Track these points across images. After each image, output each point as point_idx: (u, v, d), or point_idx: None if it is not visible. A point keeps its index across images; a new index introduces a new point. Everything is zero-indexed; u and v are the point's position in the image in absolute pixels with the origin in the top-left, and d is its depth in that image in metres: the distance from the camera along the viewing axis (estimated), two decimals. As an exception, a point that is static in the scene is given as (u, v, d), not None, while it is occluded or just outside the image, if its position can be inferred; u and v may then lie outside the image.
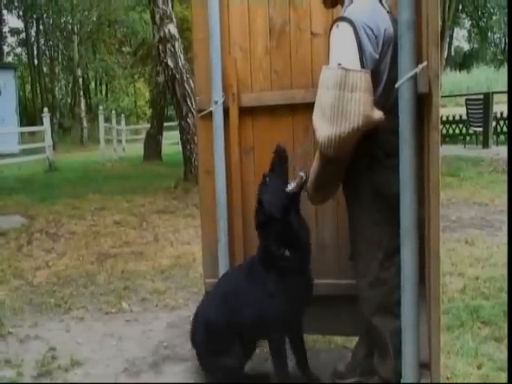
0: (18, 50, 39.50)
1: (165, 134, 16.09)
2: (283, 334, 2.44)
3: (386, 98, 2.10)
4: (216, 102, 2.75)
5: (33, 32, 34.80)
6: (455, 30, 40.86)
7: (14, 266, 4.99)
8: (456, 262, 4.34)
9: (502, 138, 12.88)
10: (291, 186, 2.32)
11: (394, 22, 2.06)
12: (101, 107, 18.39)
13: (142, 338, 3.33)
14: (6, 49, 37.04)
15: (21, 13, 33.58)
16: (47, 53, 34.98)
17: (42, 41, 34.56)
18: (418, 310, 1.98)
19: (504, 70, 27.88)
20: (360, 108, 1.97)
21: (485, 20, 41.42)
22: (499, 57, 39.27)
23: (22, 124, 24.20)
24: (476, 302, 3.51)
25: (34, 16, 32.25)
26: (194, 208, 7.04)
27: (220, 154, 2.79)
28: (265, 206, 2.32)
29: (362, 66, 2.01)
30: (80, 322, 3.65)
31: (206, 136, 2.85)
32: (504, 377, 2.49)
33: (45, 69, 34.66)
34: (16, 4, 32.99)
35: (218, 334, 2.45)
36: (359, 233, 2.29)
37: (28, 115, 31.87)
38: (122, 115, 20.33)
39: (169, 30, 8.97)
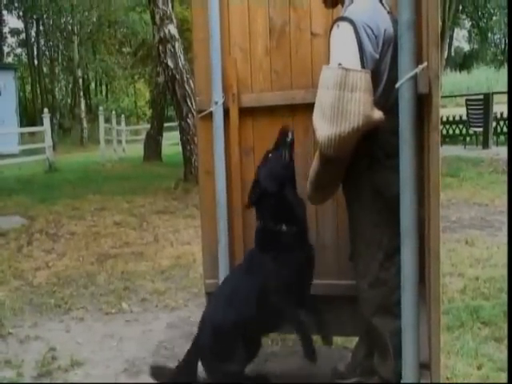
0: (18, 50, 39.62)
1: (165, 134, 16.10)
2: (298, 310, 2.39)
3: (386, 98, 2.10)
4: (216, 103, 2.75)
5: (33, 32, 34.85)
6: (455, 30, 40.90)
7: (14, 267, 4.99)
8: (456, 263, 4.34)
9: (502, 138, 12.87)
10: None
11: (395, 22, 2.06)
12: (101, 108, 18.40)
13: (141, 339, 3.33)
14: (6, 49, 37.15)
15: (21, 13, 33.65)
16: (47, 53, 35.04)
17: (42, 41, 34.62)
18: (418, 311, 1.98)
19: (504, 71, 27.89)
20: (360, 108, 1.97)
21: (485, 20, 41.47)
22: (499, 57, 39.30)
23: (22, 124, 24.22)
24: (476, 302, 3.51)
25: (34, 16, 32.29)
26: (194, 208, 7.04)
27: (220, 155, 2.79)
28: (260, 181, 2.35)
29: (363, 65, 2.01)
30: (80, 323, 3.65)
31: (206, 136, 2.85)
32: (504, 377, 2.49)
33: (45, 69, 34.70)
34: (16, 4, 33.06)
35: (225, 335, 2.41)
36: (359, 233, 2.29)
37: (28, 116, 31.90)
38: (122, 116, 20.34)
39: (169, 31, 8.97)
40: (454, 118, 13.78)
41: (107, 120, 18.37)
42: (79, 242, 5.84)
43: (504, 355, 2.72)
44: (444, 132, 13.40)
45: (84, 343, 3.30)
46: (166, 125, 17.25)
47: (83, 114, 26.35)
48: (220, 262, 2.82)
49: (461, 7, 34.04)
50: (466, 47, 47.73)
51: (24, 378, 2.89)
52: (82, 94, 28.10)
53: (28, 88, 37.48)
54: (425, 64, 1.89)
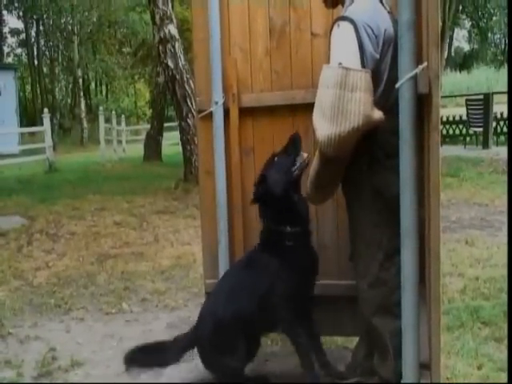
0: (18, 50, 39.63)
1: (165, 134, 16.10)
2: (294, 313, 2.43)
3: (386, 98, 2.10)
4: (216, 103, 2.75)
5: (33, 33, 34.86)
6: (455, 30, 40.92)
7: (14, 267, 4.99)
8: (456, 263, 4.34)
9: (502, 138, 12.86)
10: (294, 167, 2.41)
11: (395, 22, 2.06)
12: (101, 108, 18.40)
13: (142, 339, 3.33)
14: (6, 49, 37.15)
15: (21, 13, 33.66)
16: (47, 53, 35.06)
17: (42, 41, 34.64)
18: (418, 311, 1.98)
19: (504, 71, 27.88)
20: (360, 108, 1.97)
21: (485, 20, 41.48)
22: (499, 57, 39.31)
23: (22, 125, 24.24)
24: (476, 302, 3.50)
25: (34, 17, 32.31)
26: (194, 208, 7.03)
27: (220, 155, 2.79)
28: (267, 182, 2.40)
29: (363, 65, 2.01)
30: (80, 323, 3.65)
31: (206, 136, 2.85)
32: (504, 377, 2.49)
33: (45, 69, 34.72)
34: (16, 5, 33.06)
35: (225, 330, 2.43)
36: (359, 233, 2.29)
37: (28, 116, 31.91)
38: (122, 116, 20.33)
39: (169, 31, 8.97)
40: (454, 117, 13.77)
41: (107, 120, 18.37)
42: (79, 242, 5.84)
43: (504, 355, 2.72)
44: (444, 132, 13.39)
45: (84, 343, 3.30)
46: (166, 125, 17.24)
47: (83, 114, 26.35)
48: (220, 262, 2.82)
49: (461, 7, 34.06)
50: (466, 47, 47.80)
51: (24, 378, 2.88)
52: (82, 94, 28.10)
53: (28, 88, 37.50)
54: (425, 64, 1.89)
